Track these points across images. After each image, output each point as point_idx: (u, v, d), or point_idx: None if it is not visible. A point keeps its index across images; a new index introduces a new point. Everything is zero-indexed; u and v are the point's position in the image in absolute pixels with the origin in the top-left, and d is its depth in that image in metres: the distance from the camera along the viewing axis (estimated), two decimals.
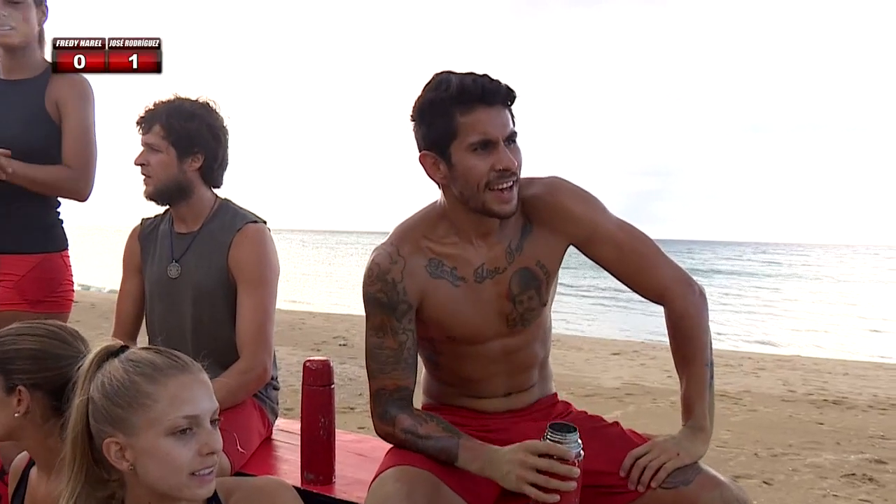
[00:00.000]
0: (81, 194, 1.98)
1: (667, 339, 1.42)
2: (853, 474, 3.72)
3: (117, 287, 2.04)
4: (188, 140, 1.79)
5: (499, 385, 1.44)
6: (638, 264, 1.40)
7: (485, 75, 1.30)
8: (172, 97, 1.84)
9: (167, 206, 1.89)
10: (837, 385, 6.61)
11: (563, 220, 1.38)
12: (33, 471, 1.30)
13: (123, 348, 1.03)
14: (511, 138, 1.30)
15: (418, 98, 1.33)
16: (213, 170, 1.85)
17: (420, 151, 1.34)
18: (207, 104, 1.84)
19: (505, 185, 1.29)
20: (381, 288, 1.36)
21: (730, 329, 13.44)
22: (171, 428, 0.97)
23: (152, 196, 1.83)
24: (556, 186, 1.40)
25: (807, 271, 39.36)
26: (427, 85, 1.33)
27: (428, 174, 1.36)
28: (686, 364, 1.38)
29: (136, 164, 1.82)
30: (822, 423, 4.92)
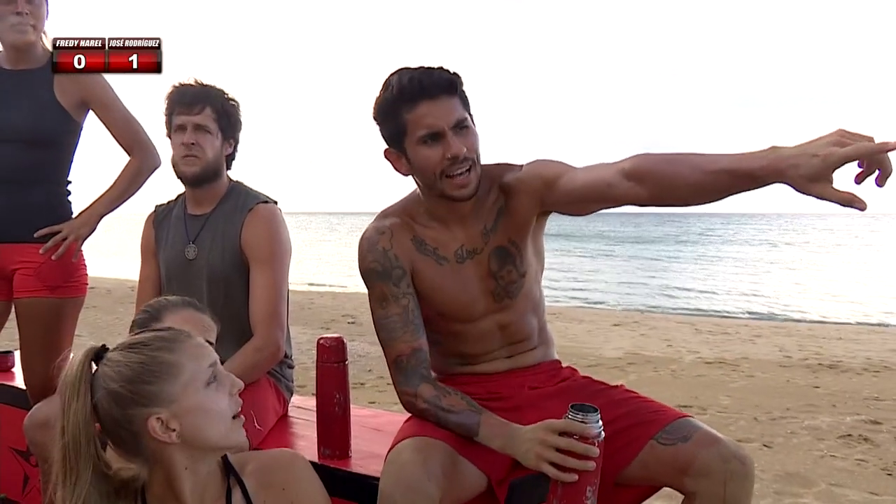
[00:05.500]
0: (156, 164, 2.10)
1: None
2: (849, 435, 3.81)
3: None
4: (231, 126, 1.87)
5: (499, 355, 1.50)
6: (586, 174, 1.31)
7: (429, 69, 1.35)
8: (201, 82, 1.87)
9: (192, 188, 1.89)
10: (832, 350, 6.71)
11: (528, 185, 1.41)
12: None
13: (104, 347, 1.06)
14: (460, 124, 1.35)
15: (374, 100, 1.41)
16: (234, 156, 1.93)
17: (385, 149, 1.44)
18: None
19: (459, 171, 1.35)
20: (374, 258, 1.43)
21: (726, 295, 13.53)
22: (204, 381, 1.04)
23: (197, 176, 1.83)
24: (530, 163, 1.44)
25: (796, 238, 39.40)
26: (381, 86, 1.40)
27: (395, 168, 1.44)
28: (701, 160, 1.09)
29: (186, 143, 1.81)
30: (818, 387, 5.02)
